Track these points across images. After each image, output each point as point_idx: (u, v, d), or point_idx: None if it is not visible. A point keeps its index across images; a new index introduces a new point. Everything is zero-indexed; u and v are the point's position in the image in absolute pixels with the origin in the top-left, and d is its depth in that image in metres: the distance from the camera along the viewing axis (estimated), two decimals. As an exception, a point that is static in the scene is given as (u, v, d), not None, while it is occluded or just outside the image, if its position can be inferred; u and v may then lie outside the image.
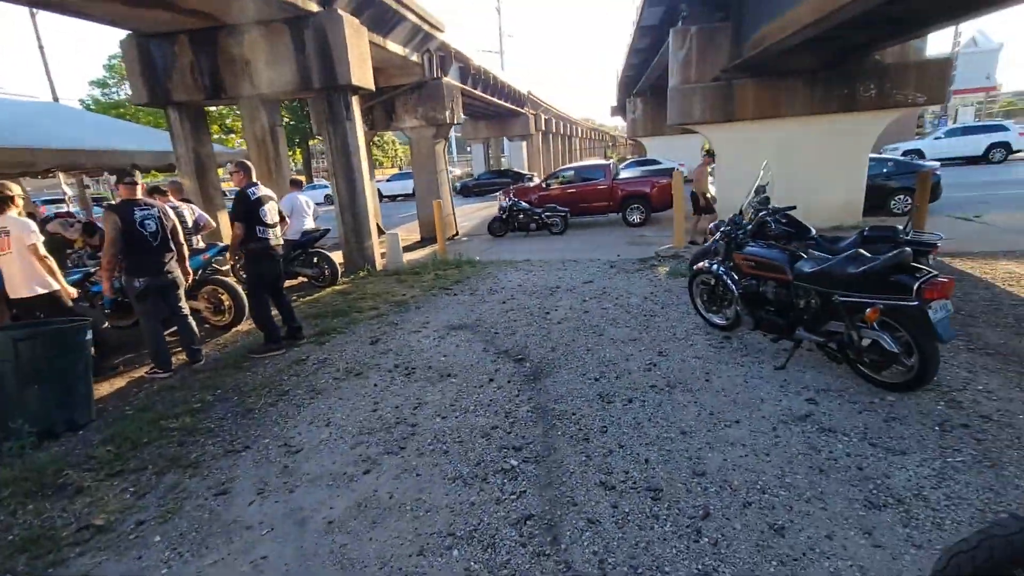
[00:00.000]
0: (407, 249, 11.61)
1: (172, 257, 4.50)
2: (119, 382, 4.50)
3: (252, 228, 4.63)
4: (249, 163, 4.89)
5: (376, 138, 36.04)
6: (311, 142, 34.46)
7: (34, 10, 17.41)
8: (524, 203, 12.78)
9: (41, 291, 4.16)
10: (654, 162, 22.52)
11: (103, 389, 4.33)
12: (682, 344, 4.46)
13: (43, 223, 8.18)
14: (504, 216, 12.65)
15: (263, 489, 2.77)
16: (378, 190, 27.58)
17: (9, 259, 4.05)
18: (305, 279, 7.90)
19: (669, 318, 5.19)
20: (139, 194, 4.35)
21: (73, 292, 4.29)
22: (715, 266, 4.47)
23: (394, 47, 10.56)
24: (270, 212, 4.80)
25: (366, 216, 8.92)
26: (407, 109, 12.74)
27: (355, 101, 8.62)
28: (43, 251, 4.08)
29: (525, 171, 28.97)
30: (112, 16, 7.58)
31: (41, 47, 19.35)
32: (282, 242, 5.02)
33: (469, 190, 27.73)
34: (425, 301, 6.64)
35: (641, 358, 4.21)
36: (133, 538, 2.46)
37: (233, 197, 5.01)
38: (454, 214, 14.03)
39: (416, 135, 13.08)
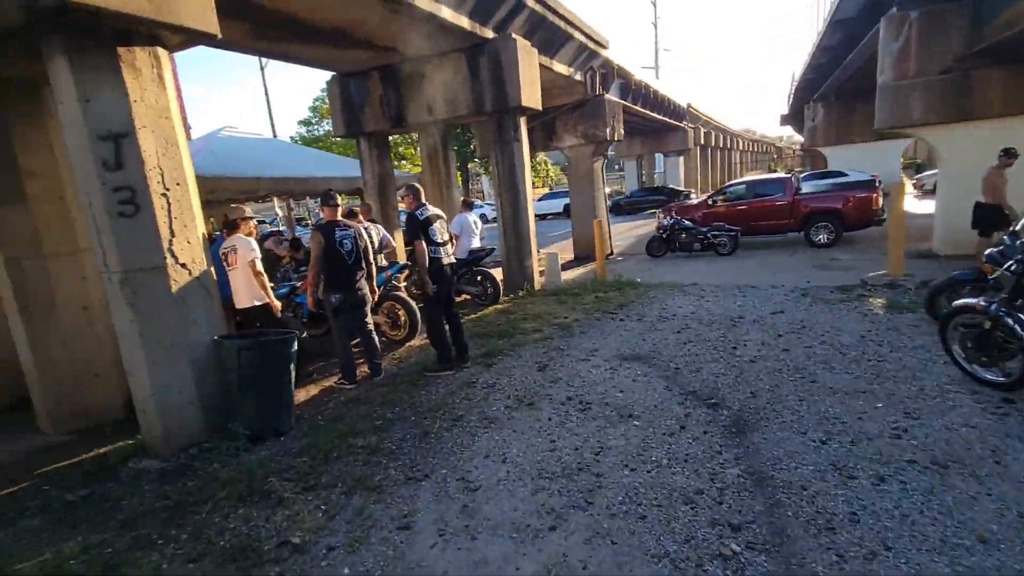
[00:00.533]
0: (562, 268, 11.43)
1: (363, 275, 4.74)
2: (313, 390, 4.85)
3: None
4: (418, 186, 5.00)
5: (531, 159, 37.29)
6: (470, 165, 36.78)
7: (264, 60, 21.08)
8: (687, 221, 11.87)
9: (258, 303, 4.66)
10: (838, 174, 19.60)
11: (300, 395, 4.68)
12: (939, 404, 3.44)
13: (260, 241, 9.60)
14: (664, 235, 11.86)
15: (444, 530, 2.59)
16: (530, 209, 28.35)
17: (235, 274, 4.59)
18: (468, 297, 8.05)
19: (906, 366, 4.12)
20: (339, 215, 4.68)
21: (278, 305, 4.73)
22: (994, 306, 3.37)
23: (559, 67, 10.55)
24: (439, 231, 4.85)
25: (528, 235, 8.90)
26: (567, 128, 12.68)
27: (523, 122, 8.70)
28: (259, 267, 4.55)
29: (682, 188, 27.42)
30: (322, 59, 8.63)
31: (267, 93, 23.44)
32: (453, 260, 5.04)
33: (620, 208, 26.98)
34: (589, 325, 6.27)
35: (881, 419, 3.31)
36: (324, 565, 2.42)
37: (405, 218, 5.20)
38: (609, 233, 13.57)
39: (575, 153, 12.94)
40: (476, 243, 7.93)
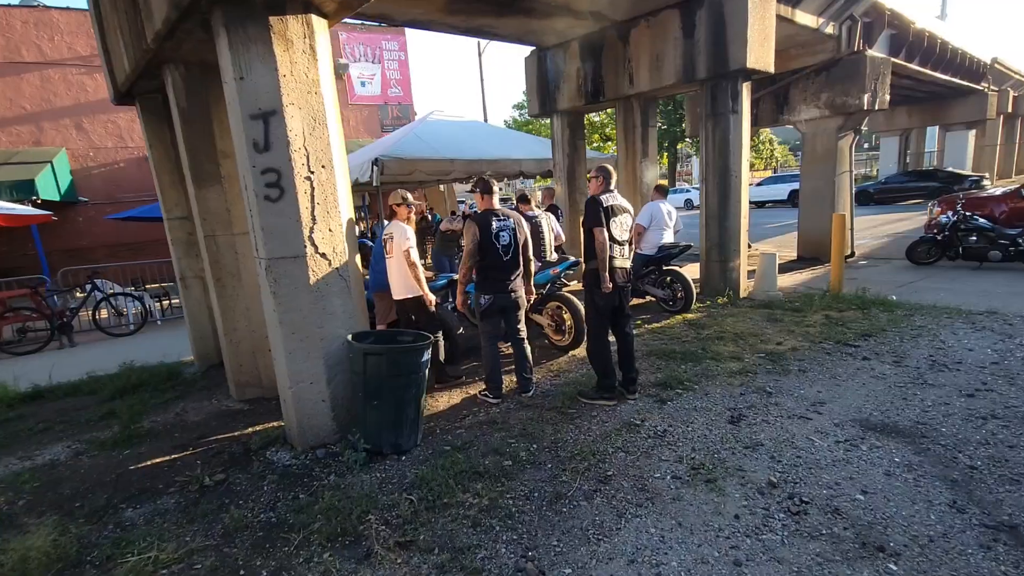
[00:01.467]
0: (780, 270, 9.30)
1: (518, 275, 4.06)
2: (456, 396, 4.38)
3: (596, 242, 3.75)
4: (611, 169, 4.05)
5: (752, 137, 32.70)
6: (679, 145, 33.90)
7: (481, 45, 22.06)
8: (980, 219, 8.54)
9: (411, 295, 4.34)
10: None
11: (440, 401, 4.26)
12: None
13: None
14: (940, 236, 8.74)
15: None
16: (746, 195, 24.83)
17: (391, 263, 4.33)
18: (653, 300, 6.87)
19: None
20: (496, 203, 4.04)
21: (432, 298, 4.33)
22: None
23: (804, 18, 8.31)
24: (620, 226, 3.85)
25: (738, 229, 7.25)
26: (805, 97, 10.17)
27: (745, 89, 7.00)
28: (413, 257, 4.19)
29: (967, 171, 20.83)
30: (520, 32, 8.15)
31: (481, 77, 24.66)
32: (628, 265, 4.00)
33: (868, 196, 21.71)
34: (813, 360, 4.62)
35: None
36: None
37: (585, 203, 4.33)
38: (851, 228, 10.67)
39: (812, 129, 10.36)
40: (668, 237, 6.67)
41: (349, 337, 3.34)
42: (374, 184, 8.53)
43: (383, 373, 3.18)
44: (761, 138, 34.27)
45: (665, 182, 10.29)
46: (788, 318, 6.06)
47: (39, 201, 10.89)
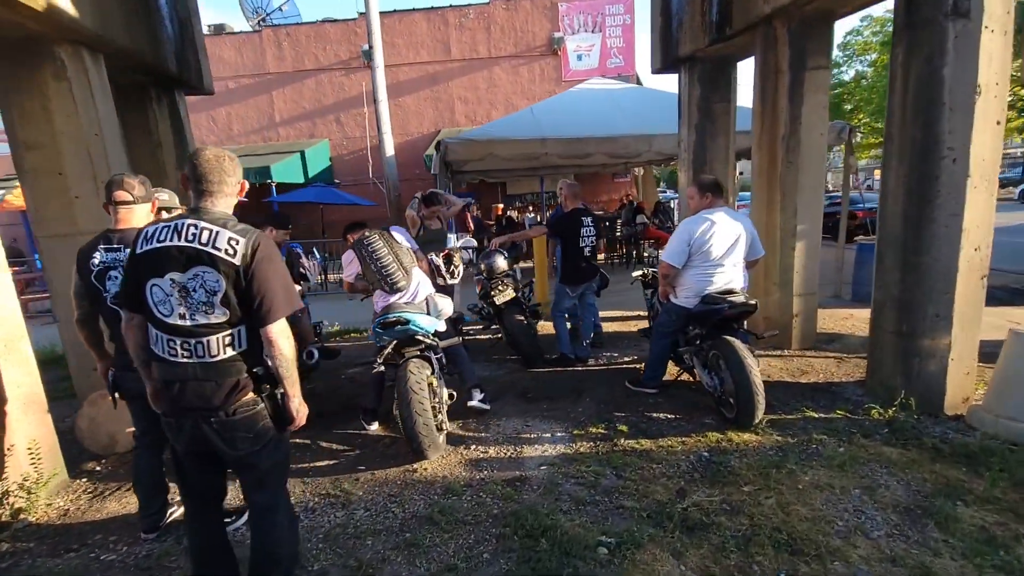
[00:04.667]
0: None
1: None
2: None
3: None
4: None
5: None
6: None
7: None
8: None
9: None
10: None
11: (122, 508, 2.93)
12: None
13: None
14: None
15: None
16: None
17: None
18: (694, 381, 3.77)
19: None
20: (146, 217, 2.34)
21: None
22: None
23: None
24: (162, 296, 1.65)
25: (951, 272, 3.37)
26: None
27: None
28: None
29: None
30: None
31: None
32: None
33: None
34: None
35: None
36: None
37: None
38: None
39: None
40: (725, 279, 3.46)
41: None
42: (432, 172, 7.32)
43: None
44: None
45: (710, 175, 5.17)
46: (985, 522, 2.39)
47: (271, 183, 13.13)
